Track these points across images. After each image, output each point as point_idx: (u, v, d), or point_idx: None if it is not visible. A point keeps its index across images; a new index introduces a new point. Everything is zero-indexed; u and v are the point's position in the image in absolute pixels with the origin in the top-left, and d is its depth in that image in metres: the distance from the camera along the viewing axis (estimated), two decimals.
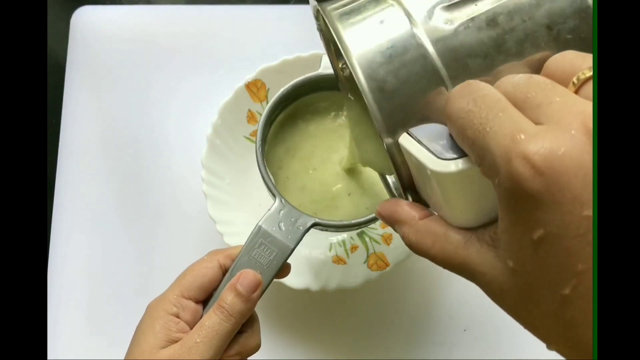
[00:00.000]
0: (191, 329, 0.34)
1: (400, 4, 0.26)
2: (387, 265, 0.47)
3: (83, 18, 0.59)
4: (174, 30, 0.59)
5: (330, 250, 0.49)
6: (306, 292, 0.47)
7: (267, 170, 0.40)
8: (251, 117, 0.50)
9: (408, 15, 0.25)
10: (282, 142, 0.45)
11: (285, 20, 0.58)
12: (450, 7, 0.25)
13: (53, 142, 0.56)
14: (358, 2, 0.27)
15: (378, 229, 0.49)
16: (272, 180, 0.40)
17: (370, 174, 0.45)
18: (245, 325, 0.36)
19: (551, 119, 0.19)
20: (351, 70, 0.25)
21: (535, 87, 0.20)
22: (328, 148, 0.45)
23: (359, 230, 0.49)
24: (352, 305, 0.52)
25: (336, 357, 0.51)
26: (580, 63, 0.20)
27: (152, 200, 0.54)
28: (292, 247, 0.36)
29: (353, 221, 0.39)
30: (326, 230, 0.40)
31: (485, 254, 0.22)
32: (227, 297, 0.34)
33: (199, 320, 0.34)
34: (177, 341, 0.33)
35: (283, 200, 0.38)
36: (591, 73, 0.20)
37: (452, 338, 0.51)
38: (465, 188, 0.23)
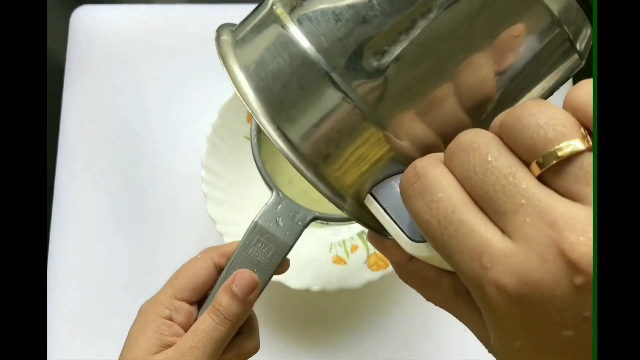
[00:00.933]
0: (186, 331, 0.32)
1: (314, 53, 0.21)
2: (387, 265, 0.47)
3: (82, 17, 0.59)
4: (174, 29, 0.58)
5: (330, 250, 0.49)
6: (306, 292, 0.47)
7: (263, 161, 0.38)
8: (251, 117, 0.50)
9: (329, 71, 0.21)
10: None
11: None
12: (372, 48, 0.20)
13: (52, 141, 0.56)
14: (261, 50, 0.23)
15: None
16: (268, 172, 0.38)
17: None
18: (242, 327, 0.34)
19: (519, 234, 0.17)
20: (280, 152, 0.22)
21: (494, 181, 0.17)
22: None
23: (359, 230, 0.49)
24: (352, 305, 0.52)
25: (336, 357, 0.51)
26: (544, 132, 0.17)
27: (152, 200, 0.54)
28: (291, 243, 0.34)
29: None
30: (327, 224, 0.38)
31: (474, 312, 0.22)
32: (222, 299, 0.32)
33: (193, 322, 0.33)
34: (170, 345, 0.32)
35: (280, 193, 0.35)
36: (562, 153, 0.17)
37: (452, 338, 0.51)
38: (441, 259, 0.21)
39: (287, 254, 0.34)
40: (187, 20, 0.59)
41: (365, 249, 0.48)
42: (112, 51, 0.58)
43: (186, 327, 0.33)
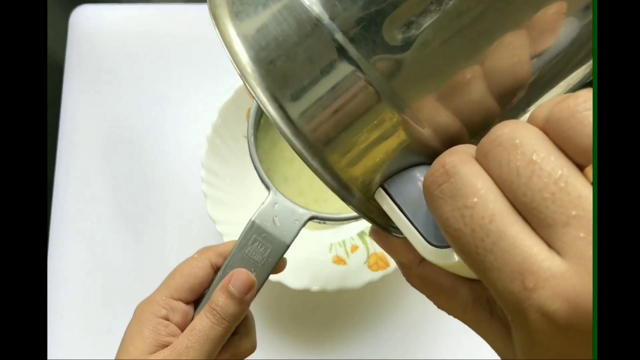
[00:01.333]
0: (182, 331, 0.32)
1: (327, 20, 0.18)
2: (387, 265, 0.47)
3: (82, 17, 0.59)
4: (174, 29, 0.58)
5: (330, 250, 0.49)
6: (306, 292, 0.47)
7: (260, 161, 0.38)
8: (250, 115, 0.50)
9: (343, 42, 0.18)
10: (268, 130, 0.42)
11: None
12: (396, 18, 0.18)
13: (52, 141, 0.56)
14: (263, 14, 0.20)
15: None
16: (264, 170, 0.38)
17: None
18: (239, 326, 0.34)
19: (570, 251, 0.14)
20: (282, 135, 0.19)
21: (542, 187, 0.15)
22: None
23: (359, 230, 0.49)
24: (352, 305, 0.52)
25: (336, 357, 0.51)
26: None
27: (152, 200, 0.54)
28: (288, 243, 0.34)
29: (349, 214, 0.37)
30: (324, 223, 0.38)
31: (496, 327, 0.19)
32: (219, 299, 0.32)
33: (190, 321, 0.33)
34: (167, 345, 0.31)
35: (277, 192, 0.35)
36: None
37: (452, 339, 0.51)
38: (465, 268, 0.19)
39: (284, 253, 0.34)
40: (187, 20, 0.59)
41: (366, 249, 0.48)
42: (112, 51, 0.58)
43: (182, 327, 0.33)
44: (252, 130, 0.38)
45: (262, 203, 0.35)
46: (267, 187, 0.36)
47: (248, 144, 0.38)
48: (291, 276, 0.47)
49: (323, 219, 0.36)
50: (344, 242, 0.49)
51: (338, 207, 0.40)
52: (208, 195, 0.48)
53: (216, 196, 0.48)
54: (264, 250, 0.34)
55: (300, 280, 0.47)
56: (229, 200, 0.48)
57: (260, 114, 0.39)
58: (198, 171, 0.48)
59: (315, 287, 0.46)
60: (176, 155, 0.55)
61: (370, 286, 0.47)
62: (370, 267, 0.47)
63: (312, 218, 0.35)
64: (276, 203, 0.35)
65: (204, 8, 0.59)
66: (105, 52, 0.58)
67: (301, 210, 0.35)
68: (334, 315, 0.52)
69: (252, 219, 0.34)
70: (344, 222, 0.38)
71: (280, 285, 0.46)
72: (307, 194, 0.40)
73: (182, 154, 0.55)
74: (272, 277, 0.46)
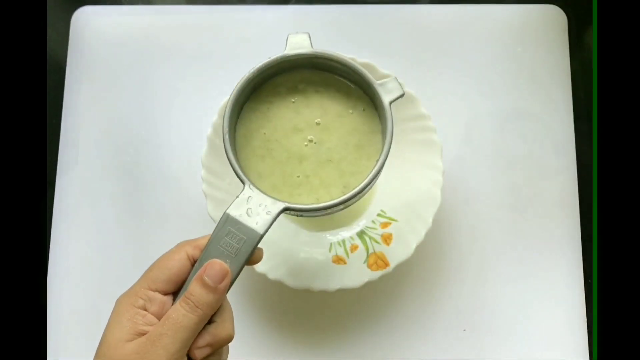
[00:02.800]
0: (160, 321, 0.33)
1: None
2: (387, 265, 0.47)
3: (83, 18, 0.59)
4: (174, 30, 0.59)
5: (330, 250, 0.49)
6: (306, 292, 0.47)
7: (236, 156, 0.39)
8: None
9: None
10: (241, 126, 0.42)
11: (285, 20, 0.58)
12: None
13: (53, 142, 0.56)
14: None
15: (378, 228, 0.49)
16: (241, 167, 0.39)
17: (337, 146, 0.41)
18: (215, 315, 0.35)
19: None
20: None
21: None
22: (284, 131, 0.42)
23: (359, 230, 0.49)
24: (351, 305, 0.52)
25: (336, 357, 0.51)
26: None
27: (152, 200, 0.54)
28: (262, 233, 0.35)
29: (323, 204, 0.37)
30: (300, 215, 0.39)
31: None
32: (194, 289, 0.34)
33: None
34: (144, 334, 0.33)
35: (251, 186, 0.37)
36: None
37: (451, 338, 0.51)
38: None
39: (257, 243, 0.35)
40: (187, 21, 0.59)
41: (365, 249, 0.48)
42: (113, 52, 0.58)
43: (160, 317, 0.34)
44: (226, 128, 0.39)
45: (237, 196, 0.36)
46: (242, 182, 0.37)
47: (223, 140, 0.39)
48: (291, 276, 0.47)
49: (296, 210, 0.37)
50: (343, 241, 0.49)
51: (312, 201, 0.40)
52: (208, 195, 0.48)
53: (216, 196, 0.48)
54: (238, 241, 0.35)
55: (300, 280, 0.47)
56: (229, 200, 0.48)
57: (236, 111, 0.40)
58: (198, 171, 0.49)
59: (315, 287, 0.47)
60: (176, 155, 0.55)
61: (370, 286, 0.47)
62: (369, 266, 0.47)
63: (285, 209, 0.37)
64: (250, 196, 0.37)
65: (204, 9, 0.59)
66: (107, 53, 0.58)
67: (274, 202, 0.36)
68: (333, 315, 0.52)
69: (227, 211, 0.36)
70: (317, 213, 0.38)
71: (280, 285, 0.47)
72: (281, 189, 0.41)
73: (182, 153, 0.55)
74: (272, 277, 0.47)
